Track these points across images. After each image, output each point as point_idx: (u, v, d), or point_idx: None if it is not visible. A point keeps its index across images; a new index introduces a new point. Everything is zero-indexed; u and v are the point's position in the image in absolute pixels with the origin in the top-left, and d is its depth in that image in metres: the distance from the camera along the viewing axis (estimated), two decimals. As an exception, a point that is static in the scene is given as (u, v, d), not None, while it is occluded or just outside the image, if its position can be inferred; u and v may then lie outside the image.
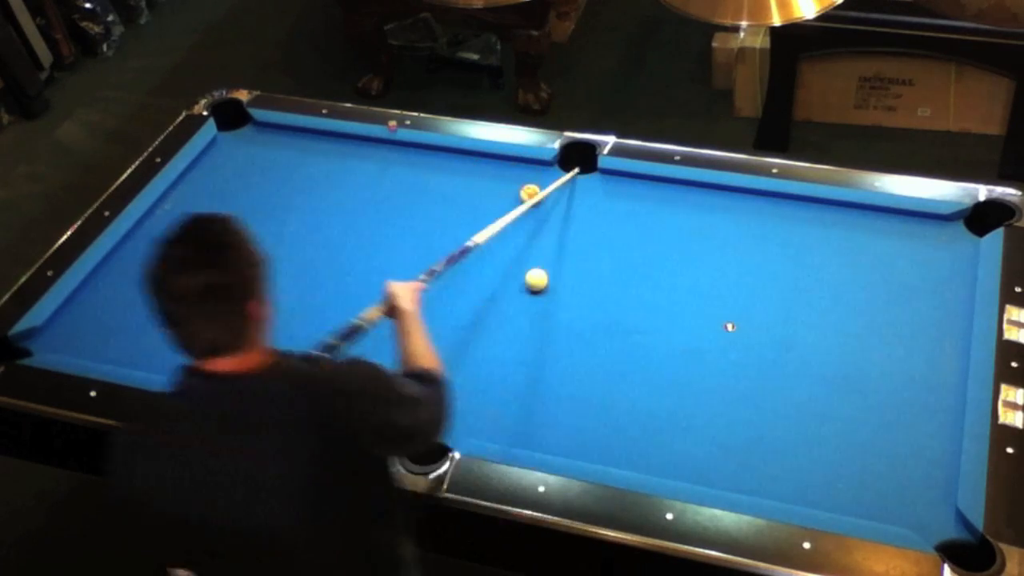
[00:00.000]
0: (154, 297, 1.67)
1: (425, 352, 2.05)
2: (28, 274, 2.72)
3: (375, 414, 1.77)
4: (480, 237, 2.60)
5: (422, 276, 2.39)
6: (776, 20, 2.12)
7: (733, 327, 2.55)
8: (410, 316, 2.15)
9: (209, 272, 1.66)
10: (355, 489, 1.80)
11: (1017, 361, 2.35)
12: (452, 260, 2.52)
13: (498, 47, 4.83)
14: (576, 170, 2.94)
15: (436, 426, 1.90)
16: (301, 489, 1.71)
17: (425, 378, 1.94)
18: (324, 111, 3.23)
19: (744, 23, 2.17)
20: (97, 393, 2.40)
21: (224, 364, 1.72)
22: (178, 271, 1.66)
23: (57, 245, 2.80)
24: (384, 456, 1.90)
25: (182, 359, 1.75)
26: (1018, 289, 2.51)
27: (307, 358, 1.87)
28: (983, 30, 3.72)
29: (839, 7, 2.11)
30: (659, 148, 3.01)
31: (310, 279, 2.73)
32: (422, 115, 3.20)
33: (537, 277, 2.67)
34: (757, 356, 2.48)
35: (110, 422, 2.35)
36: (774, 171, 2.90)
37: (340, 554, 1.81)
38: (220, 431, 1.72)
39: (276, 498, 1.71)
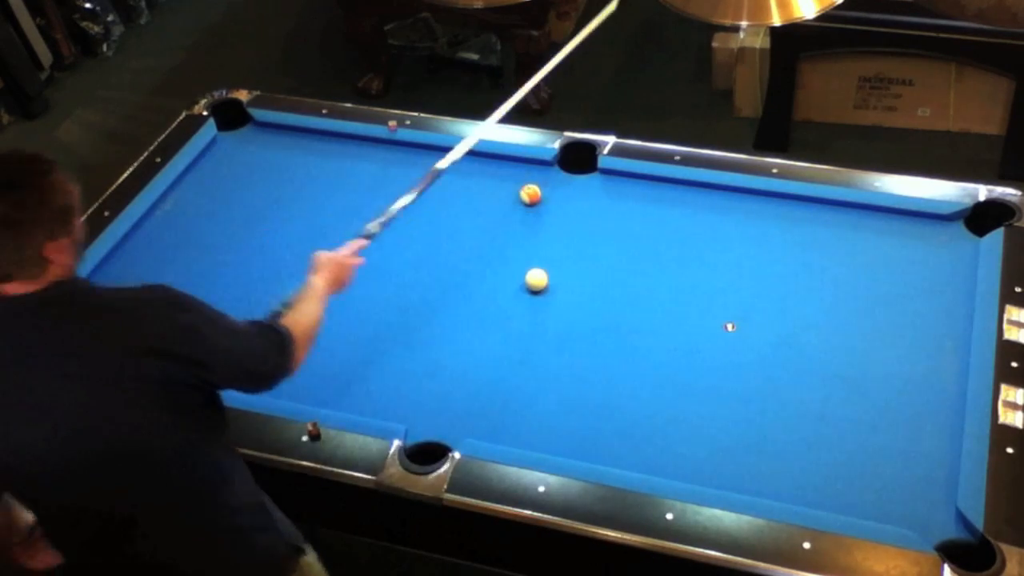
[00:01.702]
0: None
1: (297, 320, 2.03)
2: (28, 274, 2.71)
3: (181, 331, 1.77)
4: (444, 162, 2.60)
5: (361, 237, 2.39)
6: (776, 20, 2.12)
7: (733, 327, 2.55)
8: (313, 289, 2.15)
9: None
10: (166, 415, 1.79)
11: (1017, 361, 2.35)
12: (423, 186, 2.53)
13: (498, 47, 4.83)
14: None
15: (256, 361, 1.90)
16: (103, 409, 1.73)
17: (267, 326, 1.96)
18: (324, 111, 3.23)
19: (744, 23, 2.17)
20: (97, 393, 2.39)
21: (12, 289, 1.73)
22: None
23: (57, 245, 2.79)
24: (206, 383, 1.86)
25: None
26: (1018, 289, 2.51)
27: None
28: (983, 30, 3.71)
29: (839, 7, 2.12)
30: (659, 148, 3.01)
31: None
32: (422, 115, 3.19)
33: (537, 277, 2.67)
34: (757, 356, 2.48)
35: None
36: (774, 171, 2.90)
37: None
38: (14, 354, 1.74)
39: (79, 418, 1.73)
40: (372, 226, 2.45)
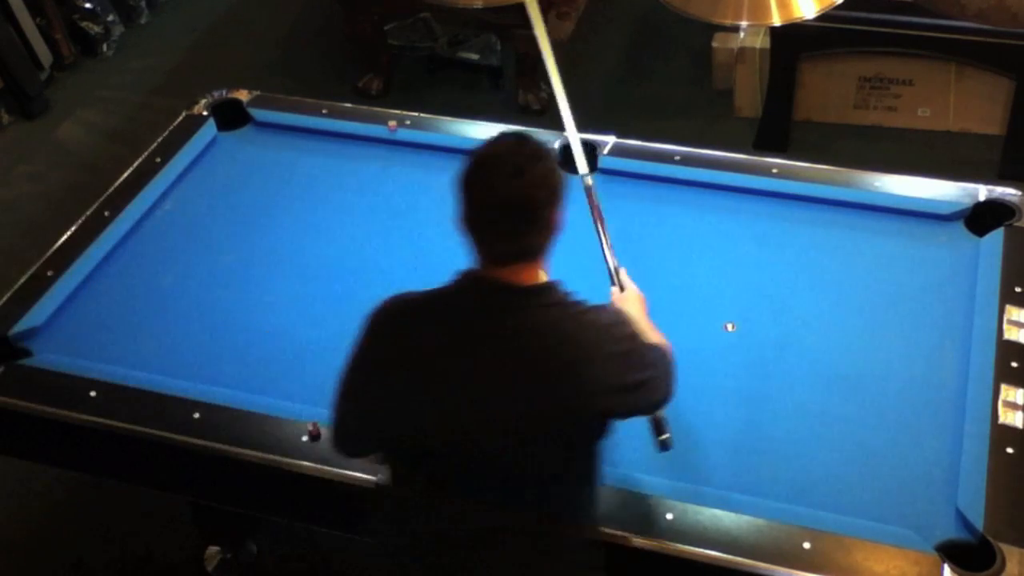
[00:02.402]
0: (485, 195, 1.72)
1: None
2: (28, 274, 2.72)
3: (617, 376, 1.80)
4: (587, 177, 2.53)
5: (620, 278, 2.34)
6: (776, 20, 2.12)
7: (733, 327, 2.55)
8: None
9: (546, 174, 1.72)
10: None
11: (1017, 361, 2.35)
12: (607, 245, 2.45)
13: (498, 47, 4.83)
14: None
15: (666, 390, 1.92)
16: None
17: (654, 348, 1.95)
18: (324, 111, 3.23)
19: (744, 23, 2.17)
20: (97, 393, 2.40)
21: (515, 275, 1.78)
22: (522, 169, 1.70)
23: (57, 245, 2.80)
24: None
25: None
26: (1018, 289, 2.51)
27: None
28: (983, 30, 3.72)
29: (839, 7, 2.11)
30: (659, 148, 3.01)
31: (310, 279, 2.73)
32: (422, 115, 3.19)
33: (537, 277, 2.66)
34: (757, 356, 2.48)
35: (110, 422, 2.36)
36: (774, 171, 2.90)
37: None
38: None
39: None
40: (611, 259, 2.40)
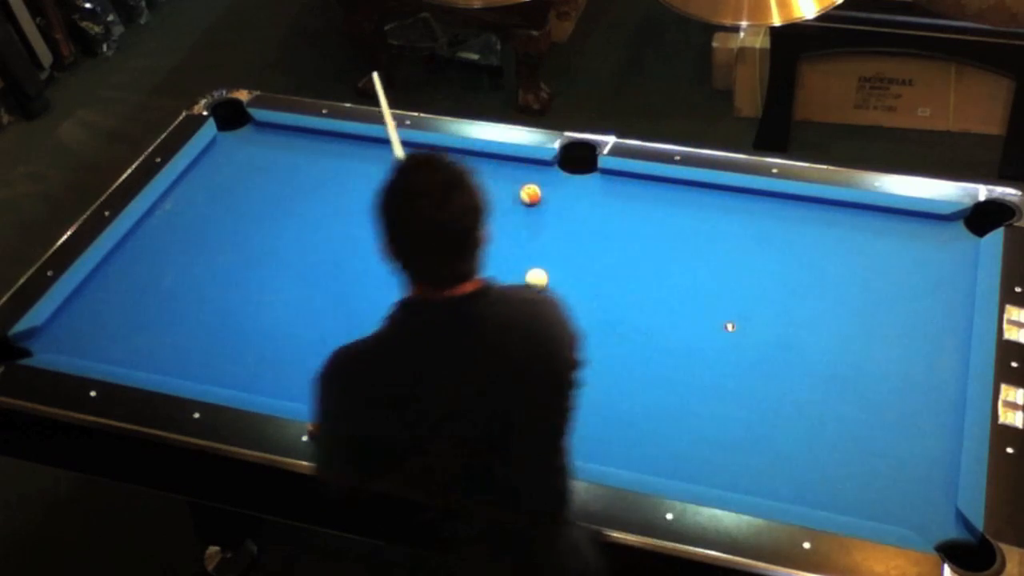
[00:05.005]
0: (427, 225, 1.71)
1: None
2: (28, 274, 2.72)
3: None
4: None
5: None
6: (776, 20, 2.12)
7: (733, 327, 2.55)
8: None
9: (472, 195, 1.73)
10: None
11: (1017, 361, 2.35)
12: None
13: (498, 47, 4.83)
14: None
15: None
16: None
17: None
18: (324, 111, 3.23)
19: (744, 23, 2.17)
20: (97, 393, 2.40)
21: (464, 288, 1.79)
22: (450, 195, 1.71)
23: (57, 245, 2.80)
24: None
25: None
26: (1018, 289, 2.51)
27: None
28: (983, 30, 3.72)
29: (839, 7, 2.11)
30: (659, 148, 3.01)
31: (310, 279, 2.73)
32: (422, 115, 3.20)
33: (537, 277, 2.67)
34: (757, 356, 2.48)
35: (110, 422, 2.36)
36: (774, 171, 2.90)
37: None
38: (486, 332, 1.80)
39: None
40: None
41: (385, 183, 1.75)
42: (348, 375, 1.83)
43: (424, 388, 1.80)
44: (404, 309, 1.81)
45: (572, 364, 1.89)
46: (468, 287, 1.79)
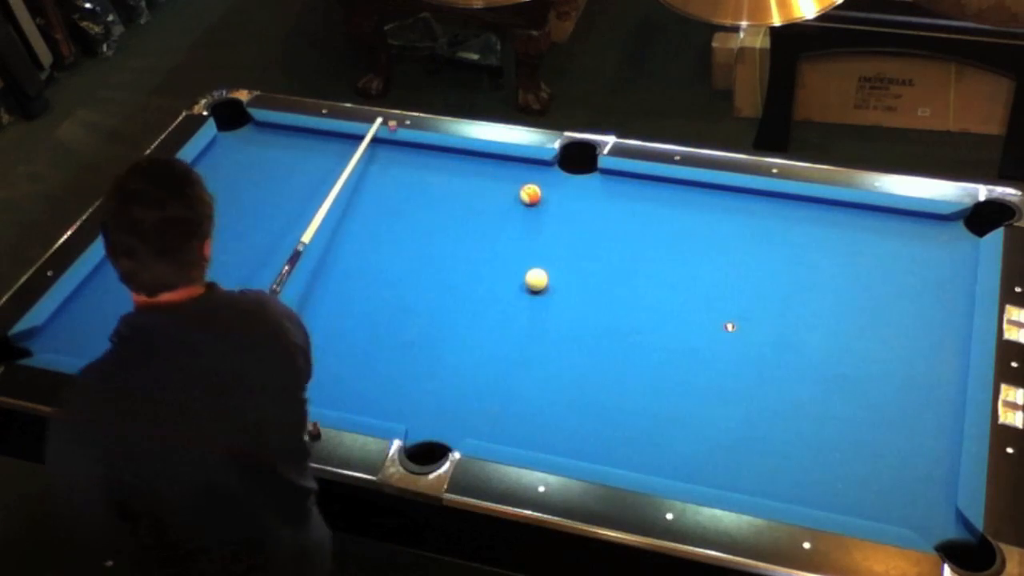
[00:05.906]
0: (111, 229, 1.71)
1: None
2: (28, 274, 2.72)
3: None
4: (306, 236, 2.70)
5: (274, 286, 2.52)
6: (776, 20, 2.12)
7: (733, 327, 2.55)
8: None
9: (172, 205, 1.70)
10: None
11: (1017, 361, 2.35)
12: (291, 263, 2.64)
13: (498, 47, 4.83)
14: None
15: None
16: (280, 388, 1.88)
17: None
18: (324, 111, 3.23)
19: (744, 23, 2.16)
20: (97, 393, 2.39)
21: (171, 296, 1.76)
22: (139, 203, 1.69)
23: (57, 245, 2.80)
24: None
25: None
26: (1018, 289, 2.51)
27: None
28: (983, 30, 3.71)
29: (839, 7, 2.11)
30: (659, 148, 3.01)
31: (309, 279, 2.73)
32: (422, 115, 3.20)
33: (537, 277, 2.67)
34: (757, 356, 2.48)
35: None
36: (774, 171, 2.90)
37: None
38: (208, 334, 1.79)
39: (269, 393, 1.86)
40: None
41: (113, 183, 1.75)
42: (73, 409, 1.82)
43: (146, 416, 1.77)
44: (126, 326, 1.79)
45: (299, 349, 1.90)
46: (189, 293, 1.77)
